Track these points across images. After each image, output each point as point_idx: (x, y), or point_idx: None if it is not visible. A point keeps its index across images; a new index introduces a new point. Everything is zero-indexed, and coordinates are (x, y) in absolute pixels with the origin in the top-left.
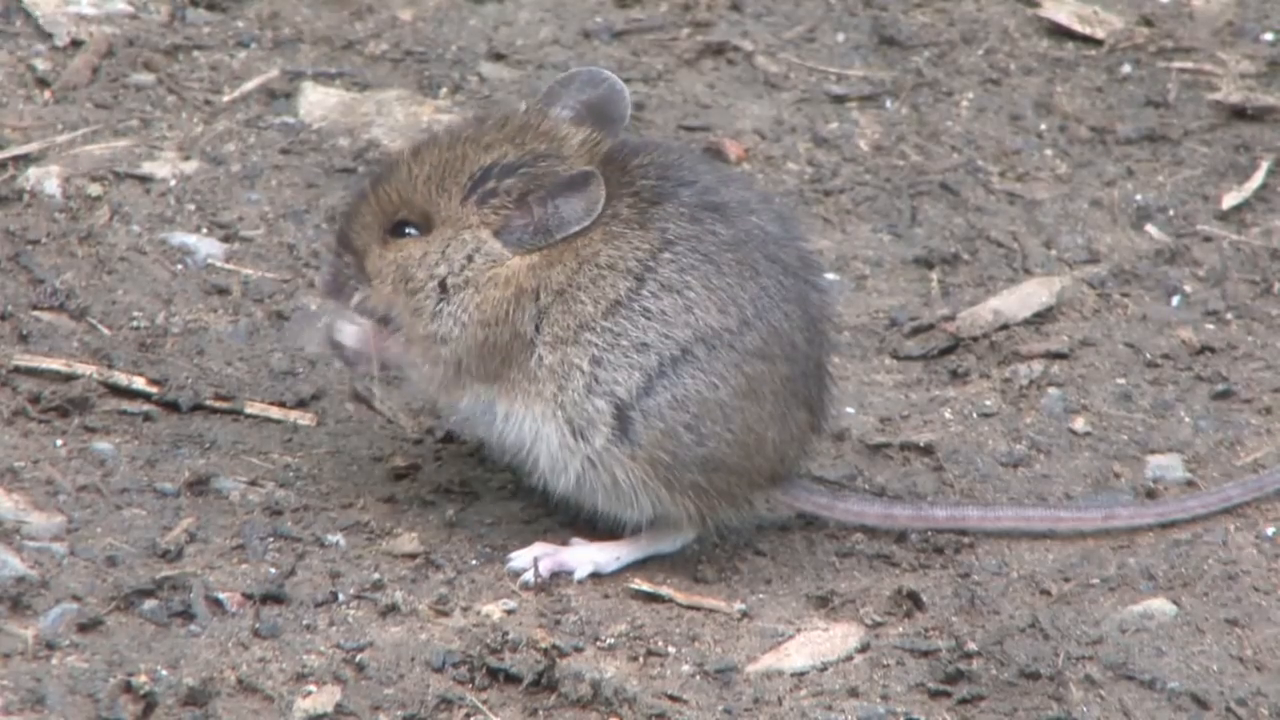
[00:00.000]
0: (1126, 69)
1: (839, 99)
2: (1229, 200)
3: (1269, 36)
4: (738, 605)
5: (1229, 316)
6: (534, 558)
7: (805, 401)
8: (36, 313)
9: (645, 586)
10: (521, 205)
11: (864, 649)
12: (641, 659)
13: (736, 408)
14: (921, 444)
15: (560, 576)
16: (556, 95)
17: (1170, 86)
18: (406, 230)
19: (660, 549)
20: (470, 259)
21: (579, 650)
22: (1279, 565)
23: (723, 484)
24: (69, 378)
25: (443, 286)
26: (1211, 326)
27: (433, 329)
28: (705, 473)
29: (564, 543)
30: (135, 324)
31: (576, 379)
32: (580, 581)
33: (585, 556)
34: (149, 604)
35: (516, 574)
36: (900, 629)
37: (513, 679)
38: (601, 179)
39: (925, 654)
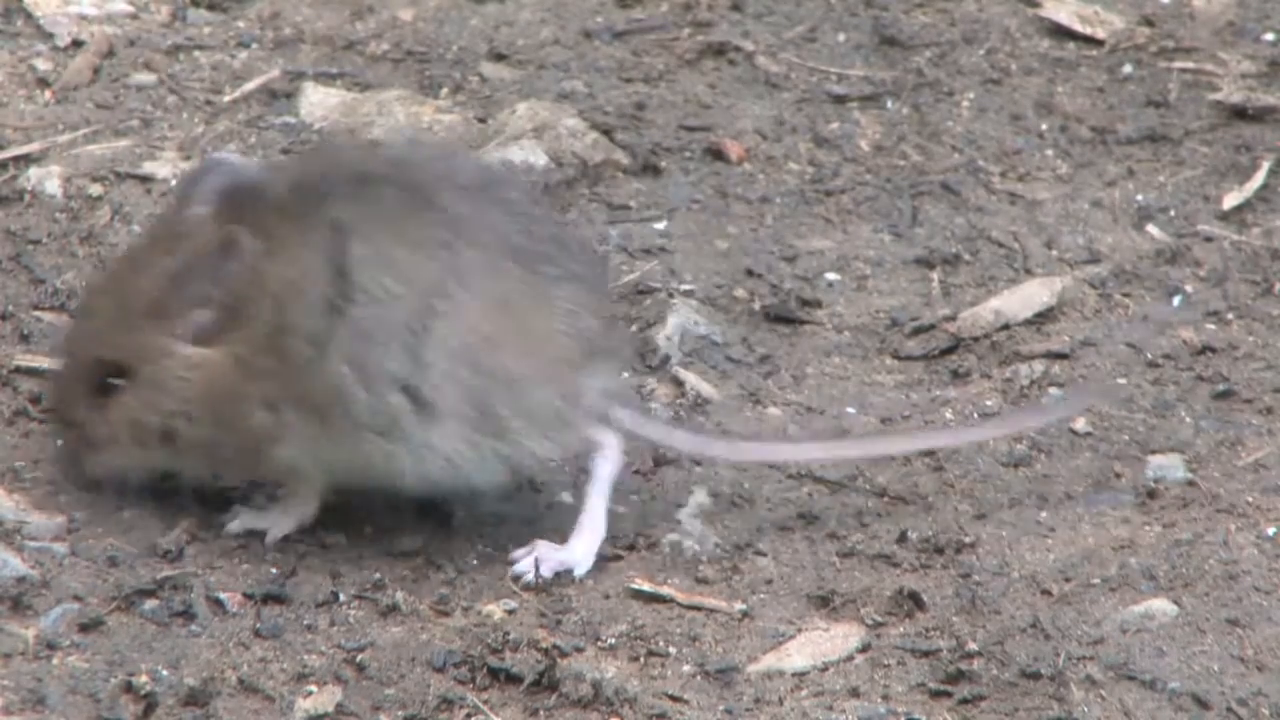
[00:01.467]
0: (1127, 69)
1: (840, 99)
2: (1230, 200)
3: (1270, 36)
4: (738, 605)
5: (1230, 317)
6: (535, 559)
7: (570, 278)
8: (37, 313)
9: (646, 586)
10: (195, 301)
11: (865, 649)
12: (642, 659)
13: (500, 325)
14: None
15: (562, 576)
16: (189, 196)
17: (1171, 86)
18: (111, 384)
19: (603, 473)
20: (185, 379)
21: (580, 650)
22: (1279, 565)
23: (544, 397)
24: None
25: (185, 417)
26: (1212, 326)
27: (211, 454)
28: (515, 398)
29: (562, 542)
30: None
31: (354, 388)
32: (583, 579)
33: (581, 550)
34: (150, 604)
35: (518, 576)
36: (901, 629)
37: (513, 679)
38: (243, 229)
39: (926, 654)
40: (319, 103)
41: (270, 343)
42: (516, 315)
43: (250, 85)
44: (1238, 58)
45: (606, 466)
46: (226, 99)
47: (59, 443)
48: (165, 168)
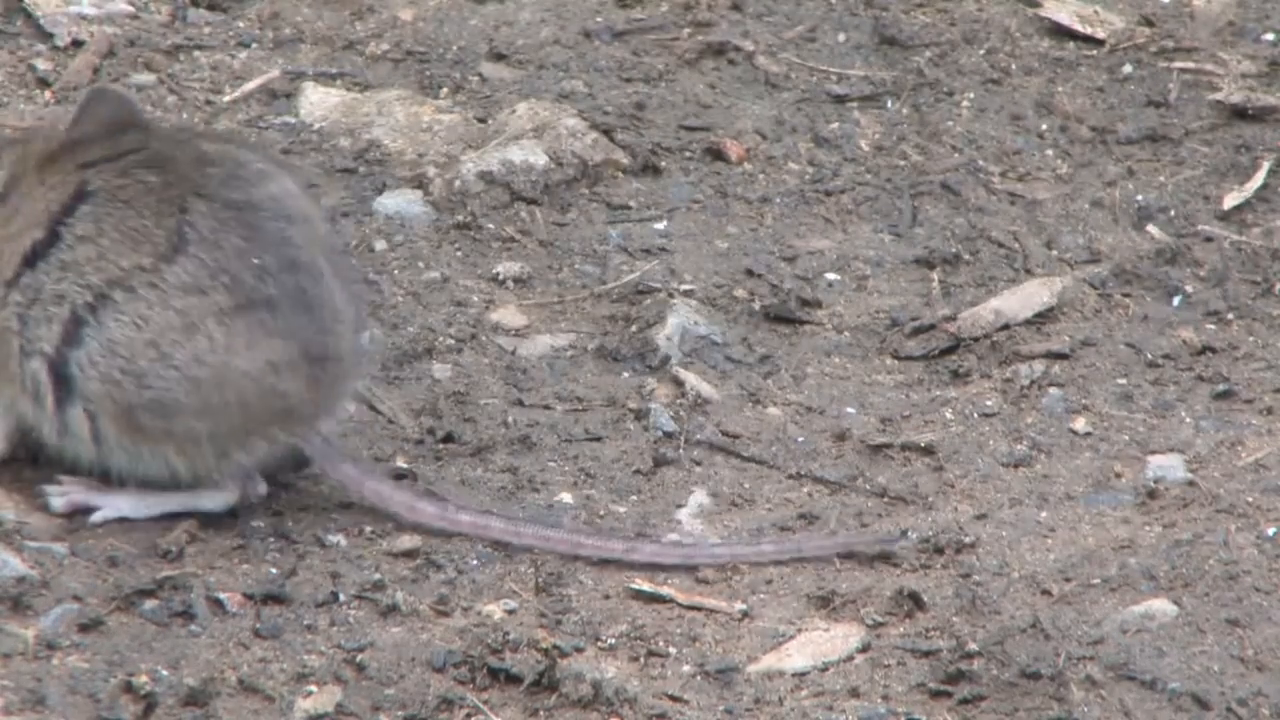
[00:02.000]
0: (1127, 69)
1: (840, 99)
2: (1230, 200)
3: (1270, 36)
4: (738, 605)
5: (1230, 317)
6: (64, 492)
7: (282, 332)
8: None
9: (646, 586)
10: None
11: (865, 649)
12: (642, 659)
13: (173, 342)
14: (922, 444)
15: (562, 576)
16: (74, 119)
17: (1171, 86)
18: None
19: (201, 505)
20: None
21: (580, 650)
22: (1279, 565)
23: (202, 426)
24: None
25: None
26: (1212, 327)
27: None
28: (165, 417)
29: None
30: None
31: (13, 341)
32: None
33: (117, 501)
34: (150, 604)
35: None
36: (901, 629)
37: (513, 679)
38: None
39: (926, 654)
40: (319, 103)
41: None
42: (199, 341)
43: (250, 85)
44: (1238, 58)
45: (218, 501)
46: (226, 99)
47: None
48: None
